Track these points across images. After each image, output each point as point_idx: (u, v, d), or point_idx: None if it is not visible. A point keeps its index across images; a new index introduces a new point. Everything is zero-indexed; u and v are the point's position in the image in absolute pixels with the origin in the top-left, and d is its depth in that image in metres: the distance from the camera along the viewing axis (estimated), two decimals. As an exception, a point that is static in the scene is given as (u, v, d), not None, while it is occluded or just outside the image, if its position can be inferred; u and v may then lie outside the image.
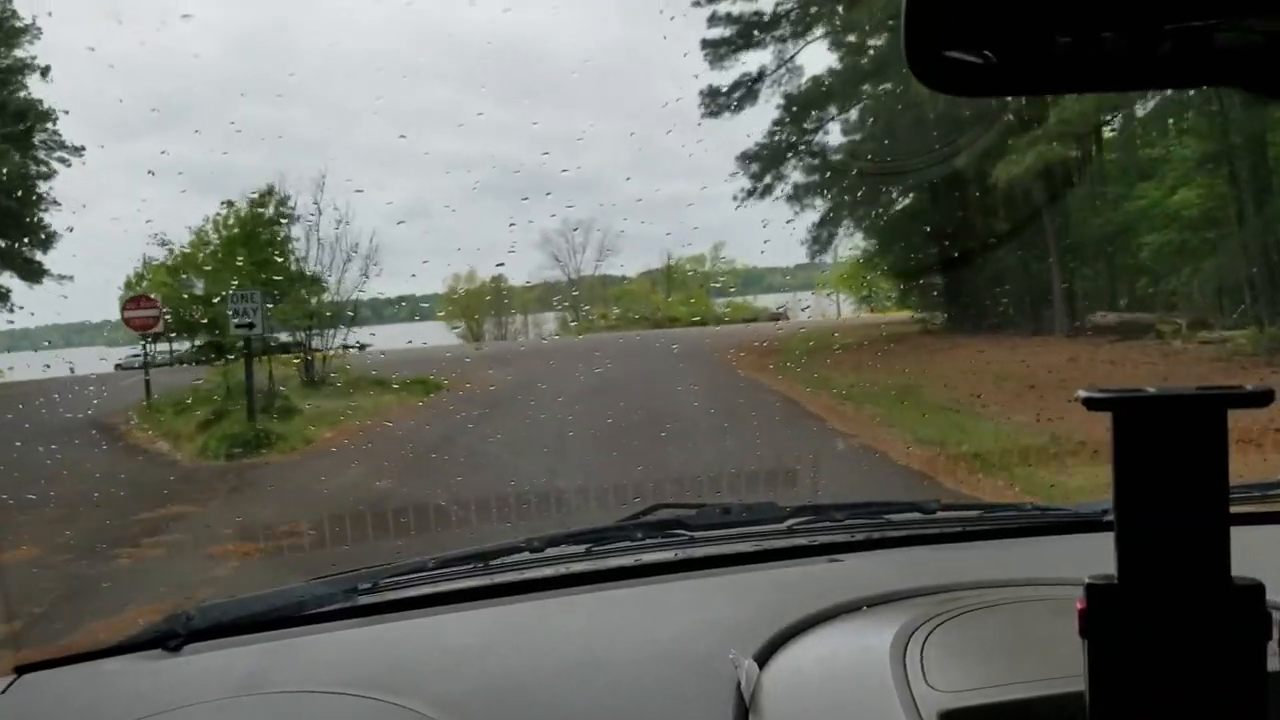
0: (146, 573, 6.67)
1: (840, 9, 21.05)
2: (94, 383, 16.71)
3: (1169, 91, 15.39)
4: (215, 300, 14.83)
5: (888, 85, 19.49)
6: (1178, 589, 0.76)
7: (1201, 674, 0.77)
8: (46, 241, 19.60)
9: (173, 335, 17.33)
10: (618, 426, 10.93)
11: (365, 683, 1.38)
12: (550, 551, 1.86)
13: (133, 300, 14.75)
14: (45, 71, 18.99)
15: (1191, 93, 16.10)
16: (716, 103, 21.55)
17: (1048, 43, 0.70)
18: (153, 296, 14.87)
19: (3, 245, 19.83)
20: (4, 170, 18.10)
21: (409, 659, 1.52)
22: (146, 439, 13.07)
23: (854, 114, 22.40)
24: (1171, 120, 19.24)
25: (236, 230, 16.30)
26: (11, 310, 19.59)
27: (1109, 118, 19.63)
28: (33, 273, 19.84)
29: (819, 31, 21.75)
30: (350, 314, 17.97)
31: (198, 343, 17.51)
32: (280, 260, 16.67)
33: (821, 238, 24.22)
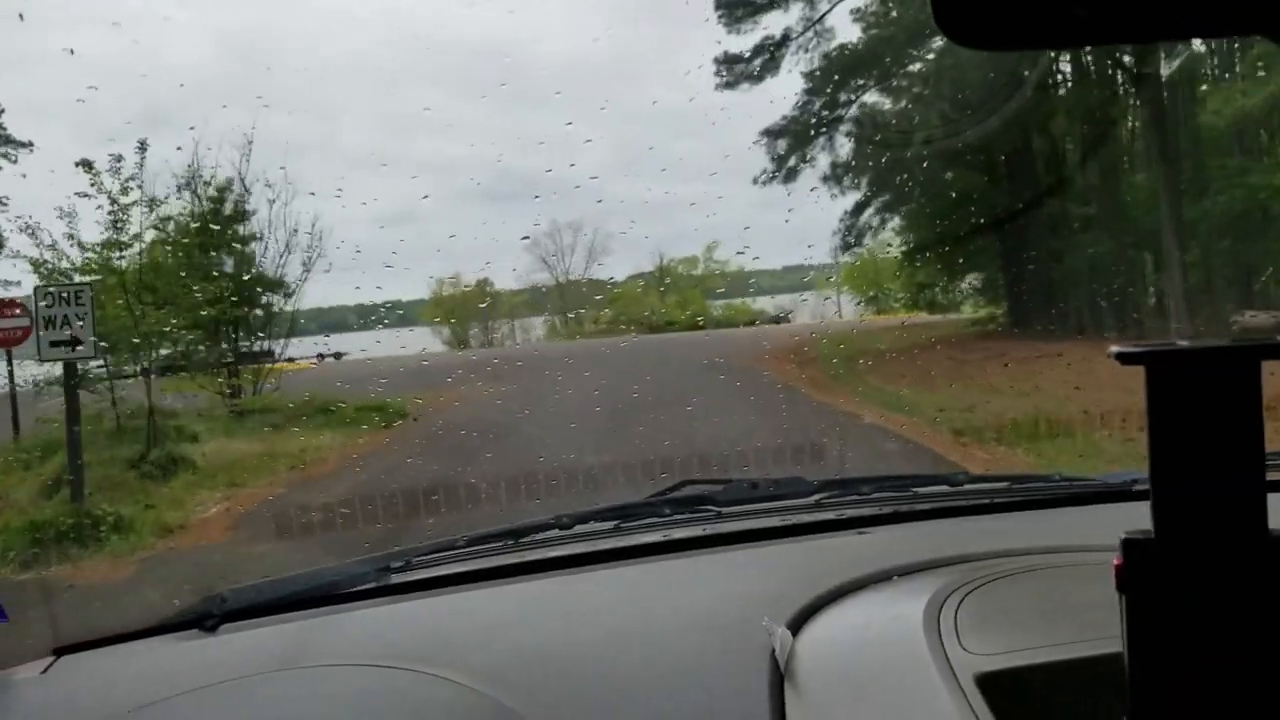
0: None
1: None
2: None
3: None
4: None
5: (938, 40, 16.51)
6: (1215, 542, 0.76)
7: (1240, 626, 0.76)
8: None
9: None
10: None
11: (401, 656, 1.38)
12: (579, 529, 1.88)
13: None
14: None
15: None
16: (735, 71, 18.58)
17: None
18: (18, 300, 10.89)
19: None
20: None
21: (443, 633, 1.52)
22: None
23: (899, 78, 19.39)
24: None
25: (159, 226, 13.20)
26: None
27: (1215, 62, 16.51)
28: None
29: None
30: (286, 321, 15.10)
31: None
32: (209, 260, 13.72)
33: (855, 227, 21.06)
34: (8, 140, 16.94)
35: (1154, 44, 11.91)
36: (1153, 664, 0.77)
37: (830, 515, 1.90)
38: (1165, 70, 15.57)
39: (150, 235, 12.63)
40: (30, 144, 17.01)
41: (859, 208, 20.56)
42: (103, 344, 9.62)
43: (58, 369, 9.39)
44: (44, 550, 6.91)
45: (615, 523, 1.89)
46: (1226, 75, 17.00)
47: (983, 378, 13.10)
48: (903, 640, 1.21)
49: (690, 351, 19.55)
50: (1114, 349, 0.77)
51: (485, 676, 1.28)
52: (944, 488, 2.01)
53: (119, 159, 11.24)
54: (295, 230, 15.36)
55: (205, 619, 1.58)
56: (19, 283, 14.96)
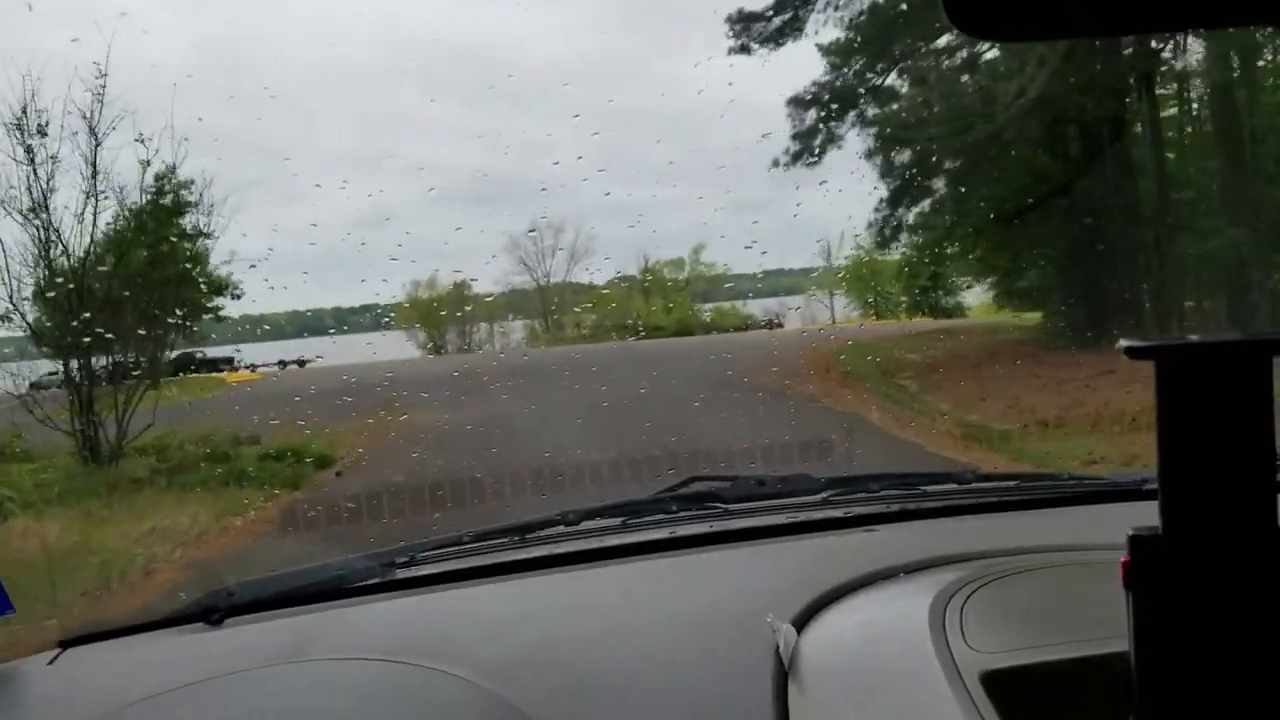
0: None
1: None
2: None
3: None
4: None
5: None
6: (1223, 537, 0.75)
7: (1249, 622, 0.75)
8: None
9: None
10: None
11: (405, 650, 1.38)
12: (586, 525, 1.88)
13: None
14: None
15: None
16: (750, 32, 16.32)
17: None
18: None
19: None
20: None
21: (448, 628, 1.52)
22: None
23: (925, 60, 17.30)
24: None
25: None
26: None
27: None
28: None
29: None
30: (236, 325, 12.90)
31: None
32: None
33: (890, 220, 18.83)
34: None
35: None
36: (1159, 661, 0.76)
37: (838, 513, 1.91)
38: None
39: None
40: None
41: (894, 200, 18.38)
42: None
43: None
44: None
45: (622, 519, 1.89)
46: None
47: (1050, 398, 10.87)
48: (908, 637, 1.21)
49: (690, 364, 17.23)
50: (1123, 343, 0.75)
51: (489, 672, 1.28)
52: (952, 486, 2.01)
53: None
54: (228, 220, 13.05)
55: (210, 612, 1.58)
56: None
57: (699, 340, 29.22)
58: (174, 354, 14.59)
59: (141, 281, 11.72)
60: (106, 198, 11.40)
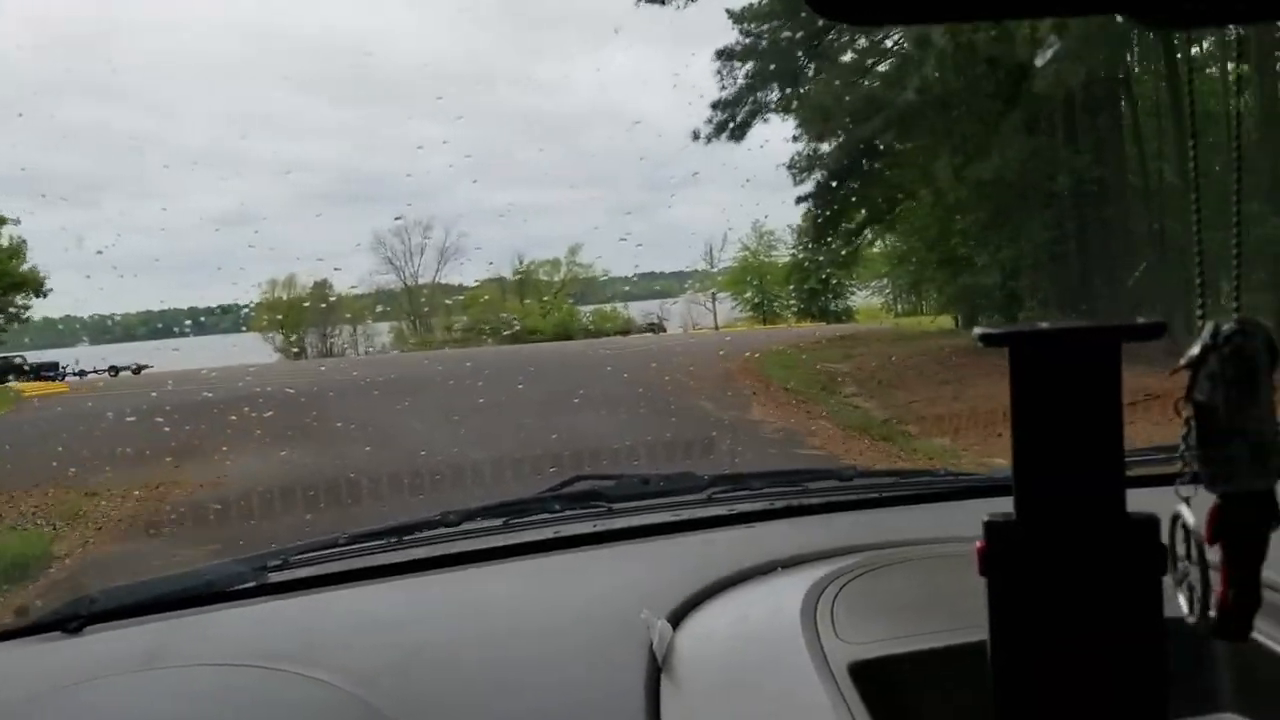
0: None
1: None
2: None
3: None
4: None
5: None
6: (1074, 523, 0.77)
7: (1099, 608, 0.77)
8: None
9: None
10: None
11: (271, 656, 1.34)
12: (467, 525, 1.87)
13: None
14: None
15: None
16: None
17: None
18: None
19: None
20: None
21: (320, 633, 1.49)
22: None
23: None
24: None
25: None
26: None
27: None
28: None
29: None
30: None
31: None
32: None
33: (833, 217, 17.68)
34: None
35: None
36: (1015, 646, 0.77)
37: (721, 510, 1.92)
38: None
39: None
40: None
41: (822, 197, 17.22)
42: None
43: None
44: None
45: (504, 519, 1.88)
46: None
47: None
48: (780, 631, 1.23)
49: (580, 374, 15.32)
50: (978, 330, 0.76)
51: (356, 677, 1.25)
52: (834, 482, 2.04)
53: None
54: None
55: (69, 620, 1.53)
56: None
57: (582, 346, 27.37)
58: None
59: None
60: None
